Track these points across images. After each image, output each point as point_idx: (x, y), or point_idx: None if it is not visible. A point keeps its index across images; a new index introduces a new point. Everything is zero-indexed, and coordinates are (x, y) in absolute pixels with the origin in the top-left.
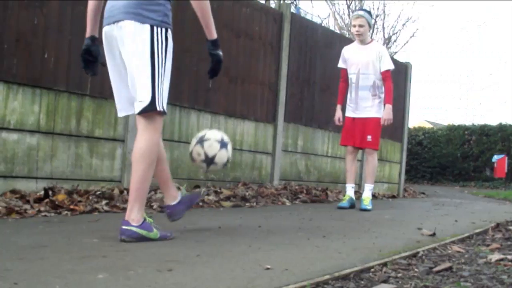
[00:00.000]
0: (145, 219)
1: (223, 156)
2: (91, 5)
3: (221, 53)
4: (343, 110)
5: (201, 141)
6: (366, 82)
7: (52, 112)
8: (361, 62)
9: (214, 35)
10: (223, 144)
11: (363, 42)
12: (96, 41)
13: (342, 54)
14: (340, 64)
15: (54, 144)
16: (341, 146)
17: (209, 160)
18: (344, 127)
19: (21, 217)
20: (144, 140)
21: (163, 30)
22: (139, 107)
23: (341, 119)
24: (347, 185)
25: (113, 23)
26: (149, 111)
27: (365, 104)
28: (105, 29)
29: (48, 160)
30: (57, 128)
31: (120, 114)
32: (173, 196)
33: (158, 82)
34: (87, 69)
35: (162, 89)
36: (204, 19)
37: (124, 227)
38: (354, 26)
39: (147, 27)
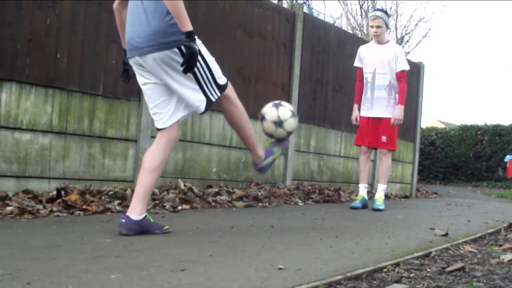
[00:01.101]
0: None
1: (292, 124)
2: (117, 21)
3: (196, 46)
4: (360, 109)
5: (276, 105)
6: (382, 82)
7: (64, 112)
8: (377, 62)
9: (187, 27)
10: (293, 114)
11: (380, 42)
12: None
13: (358, 53)
14: (356, 63)
15: (66, 144)
16: (353, 146)
17: (280, 123)
18: (359, 127)
19: (33, 217)
20: (235, 111)
21: None
22: (201, 108)
23: (358, 119)
24: (360, 185)
25: (139, 56)
26: (211, 105)
27: (380, 104)
28: (131, 61)
29: (61, 160)
30: (69, 128)
31: (159, 126)
32: (138, 212)
33: (205, 82)
34: (122, 76)
35: (211, 82)
36: (174, 13)
37: (258, 167)
38: (372, 27)
39: (175, 51)
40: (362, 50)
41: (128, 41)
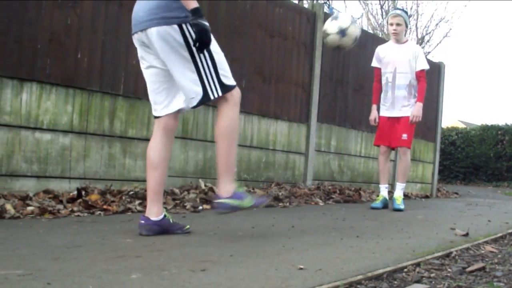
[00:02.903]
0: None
1: (355, 30)
2: None
3: (204, 22)
4: (378, 110)
5: (334, 18)
6: (402, 81)
7: (85, 112)
8: (397, 61)
9: (192, 5)
10: (353, 21)
11: (398, 41)
12: None
13: (376, 53)
14: (374, 63)
15: (87, 144)
16: (374, 146)
17: (342, 32)
18: (378, 127)
19: (54, 217)
20: (224, 118)
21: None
22: (193, 102)
23: (377, 119)
24: (380, 185)
25: (140, 31)
26: (206, 102)
27: (401, 103)
28: (134, 37)
29: (81, 160)
30: (90, 128)
31: (156, 113)
32: (155, 213)
33: (206, 72)
34: None
35: (212, 76)
36: None
37: (216, 201)
38: (391, 24)
39: (175, 27)
40: (381, 50)
41: (133, 16)
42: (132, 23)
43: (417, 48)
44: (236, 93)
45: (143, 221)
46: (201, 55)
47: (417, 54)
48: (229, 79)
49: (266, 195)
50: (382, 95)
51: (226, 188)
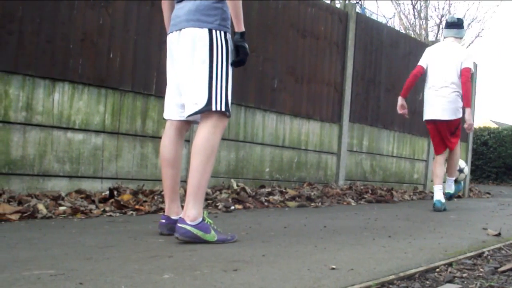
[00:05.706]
0: (203, 219)
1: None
2: (164, 5)
3: (247, 45)
4: None
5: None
6: None
7: (117, 112)
8: None
9: (242, 27)
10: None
11: None
12: None
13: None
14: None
15: (119, 144)
16: (406, 146)
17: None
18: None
19: (86, 217)
20: (202, 134)
21: (222, 33)
22: (194, 108)
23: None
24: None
25: (176, 31)
26: (204, 111)
27: None
28: (169, 36)
29: (113, 160)
30: (122, 128)
31: (166, 116)
32: (175, 212)
33: (216, 83)
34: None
35: (221, 90)
36: (234, 11)
37: (179, 224)
38: None
39: (205, 31)
40: None
41: (172, 17)
42: (171, 23)
43: None
44: (226, 123)
45: (164, 221)
46: (219, 68)
47: None
48: (230, 105)
49: (231, 234)
50: None
51: (192, 213)
